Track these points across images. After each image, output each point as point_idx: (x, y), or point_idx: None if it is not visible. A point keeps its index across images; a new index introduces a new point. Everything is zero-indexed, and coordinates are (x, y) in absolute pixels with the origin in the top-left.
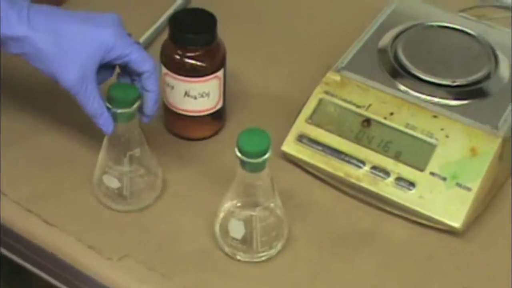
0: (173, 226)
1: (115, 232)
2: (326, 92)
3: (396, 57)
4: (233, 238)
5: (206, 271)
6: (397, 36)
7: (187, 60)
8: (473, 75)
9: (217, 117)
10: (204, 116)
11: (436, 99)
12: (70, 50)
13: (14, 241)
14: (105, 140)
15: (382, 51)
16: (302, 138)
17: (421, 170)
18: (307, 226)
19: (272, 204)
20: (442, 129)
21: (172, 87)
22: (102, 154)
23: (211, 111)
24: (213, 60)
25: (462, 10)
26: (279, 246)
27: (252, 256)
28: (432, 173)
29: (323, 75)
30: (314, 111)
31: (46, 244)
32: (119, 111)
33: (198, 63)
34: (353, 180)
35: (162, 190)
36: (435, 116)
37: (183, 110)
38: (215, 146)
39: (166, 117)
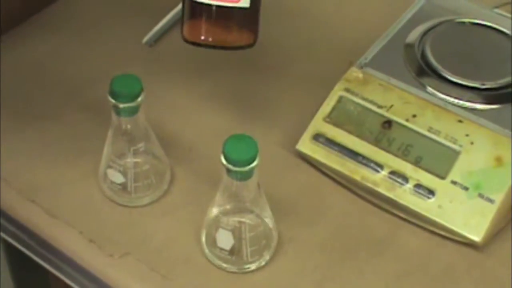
0: (178, 224)
1: (119, 228)
2: (347, 90)
3: (423, 55)
4: (221, 249)
5: (209, 274)
6: (425, 32)
7: None
8: (504, 77)
9: (243, 20)
10: (225, 10)
11: (462, 102)
12: None
13: (16, 228)
14: (109, 133)
15: (409, 48)
16: (318, 137)
17: (442, 177)
18: (318, 229)
19: (260, 212)
20: (467, 135)
21: None
22: (106, 148)
23: (233, 3)
24: None
25: (498, 6)
26: (267, 256)
27: (241, 266)
28: (453, 182)
29: (345, 71)
30: (333, 109)
31: (47, 235)
32: (122, 105)
33: None
34: (369, 185)
35: (169, 185)
36: (460, 121)
37: None
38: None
39: (183, 21)
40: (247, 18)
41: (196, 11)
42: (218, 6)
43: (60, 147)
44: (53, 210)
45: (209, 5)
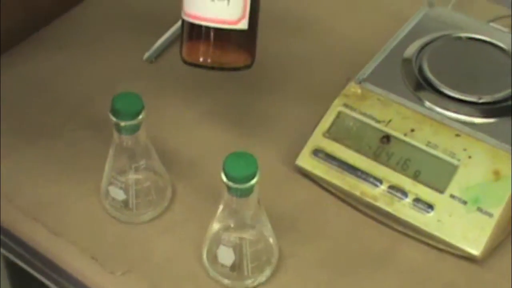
0: (179, 240)
1: (120, 245)
2: (346, 105)
3: (420, 70)
4: (222, 265)
5: None
6: (423, 47)
7: None
8: (501, 91)
9: (241, 41)
10: (223, 32)
11: (460, 116)
12: None
13: (18, 245)
14: (111, 151)
15: (407, 63)
16: (318, 153)
17: (441, 192)
18: (319, 245)
19: (261, 228)
20: (464, 149)
21: None
22: (108, 165)
23: (231, 25)
24: None
25: (493, 20)
26: (268, 271)
27: (242, 282)
28: (452, 196)
29: (343, 86)
30: (332, 124)
31: (49, 252)
32: (123, 123)
33: None
34: (369, 199)
35: (170, 202)
36: (458, 135)
37: (198, 17)
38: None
39: (182, 42)
40: (245, 40)
41: (194, 33)
42: (216, 28)
43: (62, 164)
44: (55, 227)
45: (208, 27)
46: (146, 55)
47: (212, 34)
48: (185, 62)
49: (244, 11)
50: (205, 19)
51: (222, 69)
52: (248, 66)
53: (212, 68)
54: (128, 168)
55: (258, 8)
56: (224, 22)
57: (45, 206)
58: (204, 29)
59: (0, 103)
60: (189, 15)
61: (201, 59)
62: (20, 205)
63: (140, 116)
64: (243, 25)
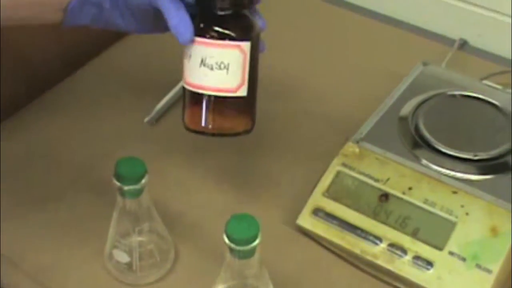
0: None
1: None
2: (344, 164)
3: (416, 128)
4: None
5: None
6: (418, 105)
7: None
8: (495, 148)
9: (241, 107)
10: (223, 99)
11: (456, 174)
12: None
13: None
14: (115, 214)
15: (403, 122)
16: (318, 212)
17: (440, 249)
18: None
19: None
20: (462, 206)
21: (190, 56)
22: (112, 228)
23: (231, 93)
24: (236, 25)
25: (485, 77)
26: None
27: None
28: (451, 253)
29: (341, 144)
30: (331, 184)
31: None
32: (126, 187)
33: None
34: (369, 257)
35: (174, 263)
36: (455, 192)
37: (198, 86)
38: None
39: (184, 110)
40: (245, 105)
41: (195, 101)
42: (216, 96)
43: (65, 228)
44: None
45: (208, 95)
46: (147, 118)
47: (212, 102)
48: (187, 129)
49: (243, 78)
50: (205, 88)
51: (223, 135)
52: (248, 131)
53: (213, 135)
54: (132, 231)
55: (257, 74)
56: (224, 90)
57: (49, 270)
58: (204, 97)
59: (1, 168)
60: (190, 84)
61: (202, 126)
62: (23, 269)
63: (143, 180)
64: (243, 92)
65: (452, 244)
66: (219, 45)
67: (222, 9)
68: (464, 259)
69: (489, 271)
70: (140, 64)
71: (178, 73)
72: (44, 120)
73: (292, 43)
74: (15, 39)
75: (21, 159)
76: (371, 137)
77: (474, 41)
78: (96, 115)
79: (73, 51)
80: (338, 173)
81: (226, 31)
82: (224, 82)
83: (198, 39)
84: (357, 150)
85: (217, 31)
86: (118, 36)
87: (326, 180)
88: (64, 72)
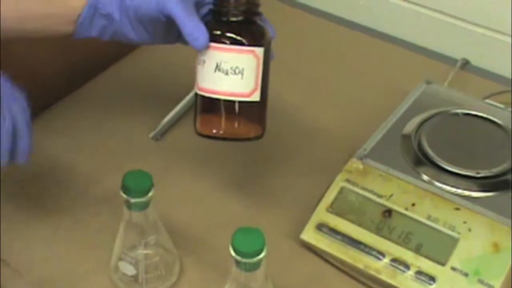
0: None
1: None
2: (348, 181)
3: (419, 146)
4: None
5: None
6: (421, 123)
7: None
8: (497, 166)
9: (253, 113)
10: (236, 104)
11: (459, 191)
12: None
13: None
14: (121, 227)
15: (406, 139)
16: (321, 227)
17: (442, 264)
18: None
19: None
20: (464, 222)
21: (204, 62)
22: (118, 241)
23: (244, 98)
24: (249, 31)
25: (488, 97)
26: None
27: None
28: (453, 268)
29: (345, 160)
30: (335, 199)
31: None
32: (133, 200)
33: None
34: (372, 272)
35: (179, 276)
36: (457, 208)
37: (212, 91)
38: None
39: (196, 116)
40: (256, 111)
41: (208, 106)
42: (229, 101)
43: (72, 240)
44: None
45: (221, 100)
46: (152, 133)
47: (225, 107)
48: (199, 134)
49: (256, 83)
50: (219, 93)
51: (234, 139)
52: (259, 137)
53: (225, 139)
54: (138, 244)
55: (268, 81)
56: (238, 95)
57: (55, 281)
58: (217, 102)
59: (9, 181)
60: (203, 90)
61: (214, 131)
62: (29, 281)
63: (150, 193)
64: (256, 97)
65: (455, 260)
66: (234, 50)
67: (235, 16)
68: (466, 275)
69: (491, 286)
70: (148, 78)
71: (185, 87)
72: (51, 134)
73: (297, 62)
74: (21, 53)
75: (28, 173)
76: (374, 154)
77: (476, 61)
78: (103, 129)
79: (79, 66)
80: (342, 189)
81: (239, 37)
82: (239, 87)
83: (213, 44)
84: (360, 166)
85: (230, 37)
86: (124, 50)
87: (330, 196)
88: (70, 87)
